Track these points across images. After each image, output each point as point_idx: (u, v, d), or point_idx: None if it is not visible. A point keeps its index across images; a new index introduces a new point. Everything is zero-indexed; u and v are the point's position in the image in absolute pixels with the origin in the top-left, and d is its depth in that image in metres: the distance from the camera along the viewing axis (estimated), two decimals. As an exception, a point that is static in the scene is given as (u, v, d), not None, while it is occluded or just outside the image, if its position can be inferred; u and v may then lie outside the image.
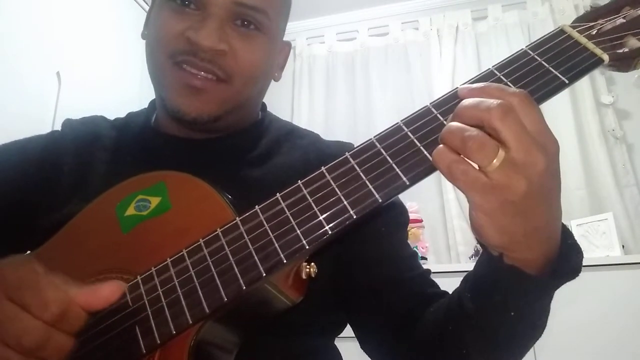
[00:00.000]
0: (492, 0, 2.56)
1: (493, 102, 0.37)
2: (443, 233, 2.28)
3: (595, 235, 1.86)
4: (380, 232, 0.66)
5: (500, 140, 0.37)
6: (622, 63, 0.41)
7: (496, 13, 2.54)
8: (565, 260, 0.43)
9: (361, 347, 0.66)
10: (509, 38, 2.46)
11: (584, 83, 2.28)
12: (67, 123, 0.77)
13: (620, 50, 0.41)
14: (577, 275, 0.44)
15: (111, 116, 0.80)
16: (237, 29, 0.63)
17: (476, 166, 0.37)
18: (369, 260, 0.65)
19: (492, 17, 2.53)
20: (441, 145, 0.39)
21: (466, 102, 0.39)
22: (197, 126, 0.65)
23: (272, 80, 0.75)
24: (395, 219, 0.69)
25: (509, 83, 0.43)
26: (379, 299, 0.63)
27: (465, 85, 0.43)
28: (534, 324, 0.48)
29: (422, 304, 0.59)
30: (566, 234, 0.44)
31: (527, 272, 0.42)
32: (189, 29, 0.61)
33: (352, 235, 0.61)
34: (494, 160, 0.36)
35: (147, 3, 2.28)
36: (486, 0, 2.57)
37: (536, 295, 0.44)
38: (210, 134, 0.70)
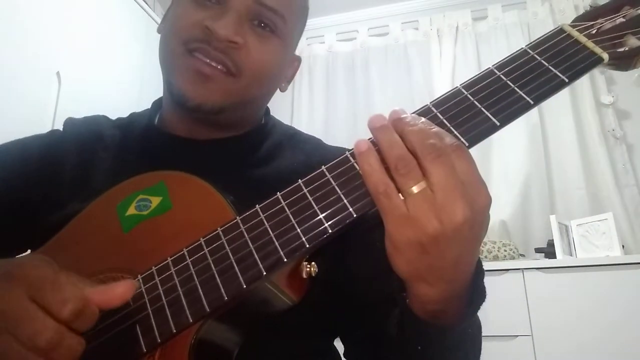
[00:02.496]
0: (492, 0, 2.56)
1: (436, 142, 0.39)
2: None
3: (595, 235, 1.86)
4: (375, 247, 0.65)
5: (426, 175, 0.38)
6: (622, 62, 0.42)
7: (496, 13, 2.54)
8: (469, 304, 0.45)
9: (345, 358, 0.67)
10: (509, 38, 2.47)
11: (584, 83, 2.28)
12: (69, 122, 0.76)
13: (620, 49, 0.41)
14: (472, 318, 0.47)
15: (111, 116, 0.80)
16: (254, 28, 0.65)
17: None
18: (361, 276, 0.64)
19: (492, 17, 2.54)
20: (374, 159, 0.41)
21: (418, 128, 0.40)
22: (199, 114, 0.65)
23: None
24: None
25: (508, 82, 0.44)
26: (372, 315, 0.62)
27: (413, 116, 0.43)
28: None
29: None
30: (479, 274, 0.46)
31: (418, 315, 0.45)
32: (208, 18, 0.63)
33: (346, 250, 0.62)
34: (414, 187, 0.38)
35: (147, 3, 2.28)
36: (486, 0, 2.57)
37: (430, 338, 0.47)
38: (213, 133, 0.70)
